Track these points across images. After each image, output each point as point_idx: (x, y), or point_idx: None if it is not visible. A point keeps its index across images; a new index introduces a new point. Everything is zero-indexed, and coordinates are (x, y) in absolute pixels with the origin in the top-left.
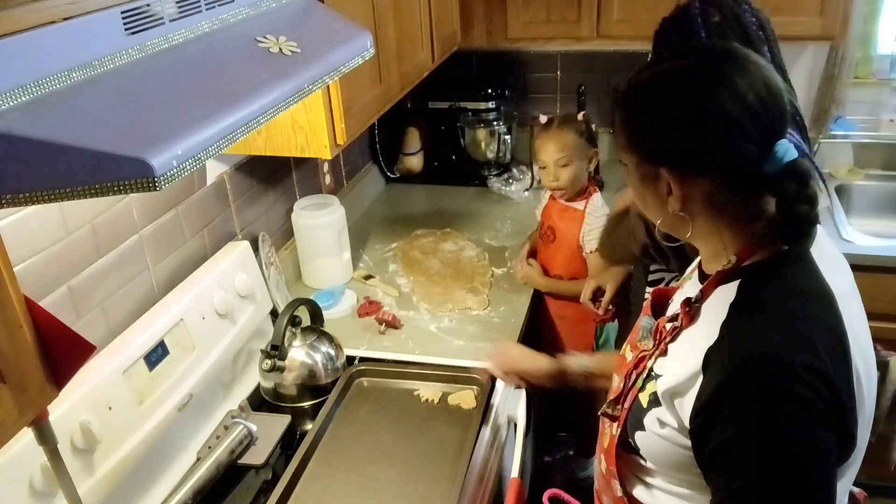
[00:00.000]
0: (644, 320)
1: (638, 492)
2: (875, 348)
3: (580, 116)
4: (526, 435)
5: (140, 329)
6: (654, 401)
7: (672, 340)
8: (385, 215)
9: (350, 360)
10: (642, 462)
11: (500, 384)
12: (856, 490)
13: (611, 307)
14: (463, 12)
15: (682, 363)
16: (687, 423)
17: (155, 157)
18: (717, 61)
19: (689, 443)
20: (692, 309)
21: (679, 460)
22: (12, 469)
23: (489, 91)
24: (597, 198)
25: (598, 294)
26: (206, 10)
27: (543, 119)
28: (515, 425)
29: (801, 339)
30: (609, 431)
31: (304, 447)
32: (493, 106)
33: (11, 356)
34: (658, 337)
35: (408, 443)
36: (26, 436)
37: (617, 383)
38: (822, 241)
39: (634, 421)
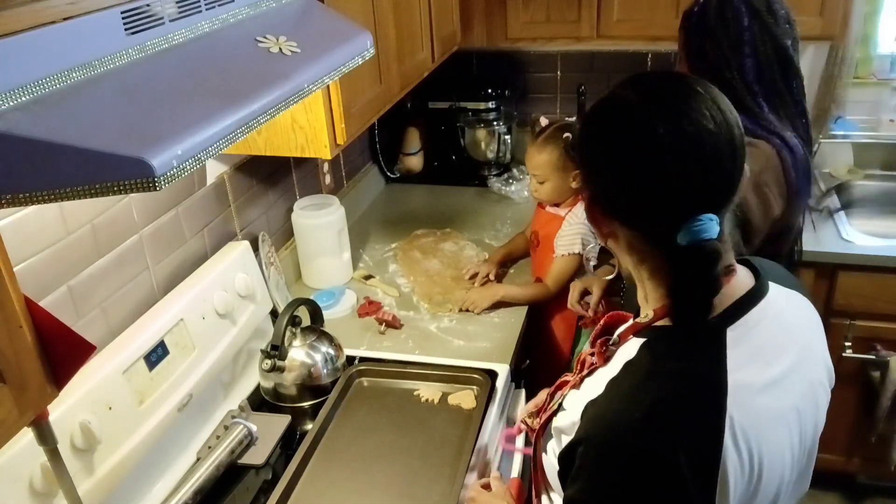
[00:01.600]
0: (586, 344)
1: (544, 502)
2: (875, 348)
3: (567, 134)
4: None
5: (140, 329)
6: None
7: (589, 375)
8: (385, 215)
9: (350, 360)
10: (549, 476)
11: (499, 384)
12: None
13: (600, 308)
14: (463, 12)
15: (574, 406)
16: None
17: (155, 157)
18: (660, 101)
19: None
20: (607, 351)
21: None
22: (12, 469)
23: (489, 91)
24: (580, 206)
25: (584, 297)
26: (206, 10)
27: (544, 122)
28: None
29: (662, 427)
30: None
31: (304, 447)
32: (493, 106)
33: (11, 356)
34: (580, 367)
35: (408, 443)
36: (26, 436)
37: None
38: (765, 320)
39: (544, 441)
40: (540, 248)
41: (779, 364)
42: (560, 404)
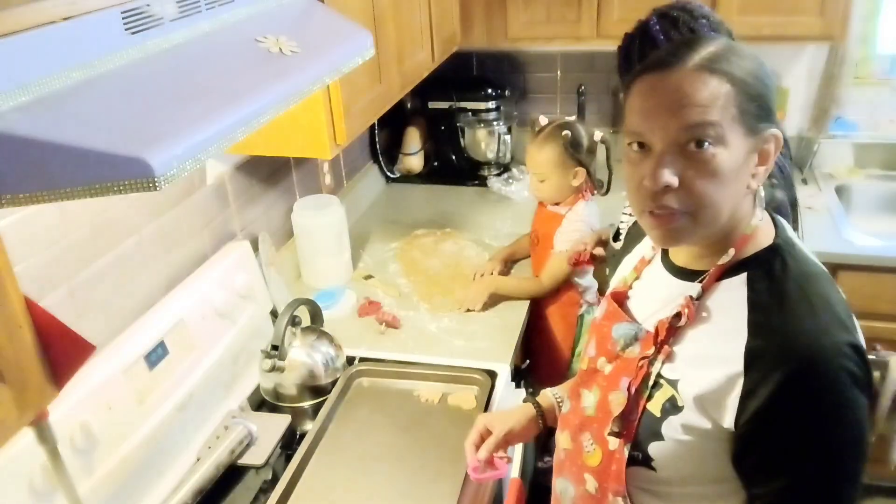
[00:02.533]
0: (622, 328)
1: (647, 502)
2: (874, 348)
3: (566, 132)
4: None
5: (140, 329)
6: (672, 408)
7: (676, 342)
8: (385, 215)
9: (350, 360)
10: (651, 472)
11: (499, 384)
12: None
13: (600, 253)
14: (463, 12)
15: (709, 366)
16: (727, 426)
17: (155, 157)
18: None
19: (724, 445)
20: (697, 306)
21: (705, 462)
22: (12, 469)
23: (489, 91)
24: (581, 205)
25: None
26: (206, 10)
27: (543, 120)
28: None
29: (832, 318)
30: (599, 449)
31: (304, 447)
32: (493, 106)
33: (11, 356)
34: (657, 340)
35: (408, 443)
36: (26, 436)
37: (594, 398)
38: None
39: (648, 433)
40: (540, 246)
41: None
42: (656, 383)
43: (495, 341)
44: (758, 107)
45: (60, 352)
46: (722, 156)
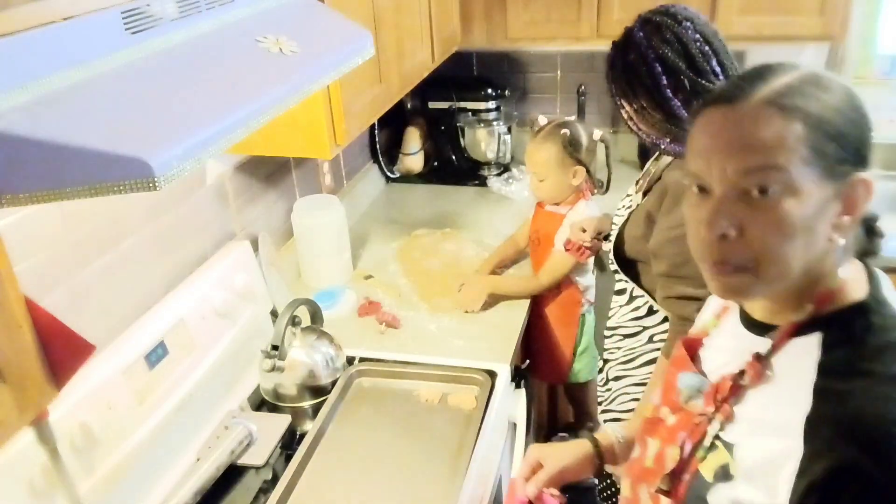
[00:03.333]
0: (686, 378)
1: None
2: None
3: (565, 131)
4: (526, 435)
5: (140, 329)
6: (724, 475)
7: (737, 402)
8: (385, 215)
9: (350, 360)
10: None
11: (499, 384)
12: None
13: (597, 240)
14: (463, 12)
15: (766, 434)
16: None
17: (154, 156)
18: None
19: None
20: (763, 365)
21: None
22: (12, 469)
23: (489, 91)
24: (582, 204)
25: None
26: (206, 10)
27: (543, 120)
28: (515, 425)
29: None
30: None
31: (304, 447)
32: (493, 106)
33: (11, 356)
34: (716, 398)
35: (408, 443)
36: (26, 436)
37: (654, 449)
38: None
39: (695, 497)
40: (541, 246)
41: None
42: (712, 445)
43: (495, 341)
44: (839, 147)
45: (60, 352)
46: (789, 204)
